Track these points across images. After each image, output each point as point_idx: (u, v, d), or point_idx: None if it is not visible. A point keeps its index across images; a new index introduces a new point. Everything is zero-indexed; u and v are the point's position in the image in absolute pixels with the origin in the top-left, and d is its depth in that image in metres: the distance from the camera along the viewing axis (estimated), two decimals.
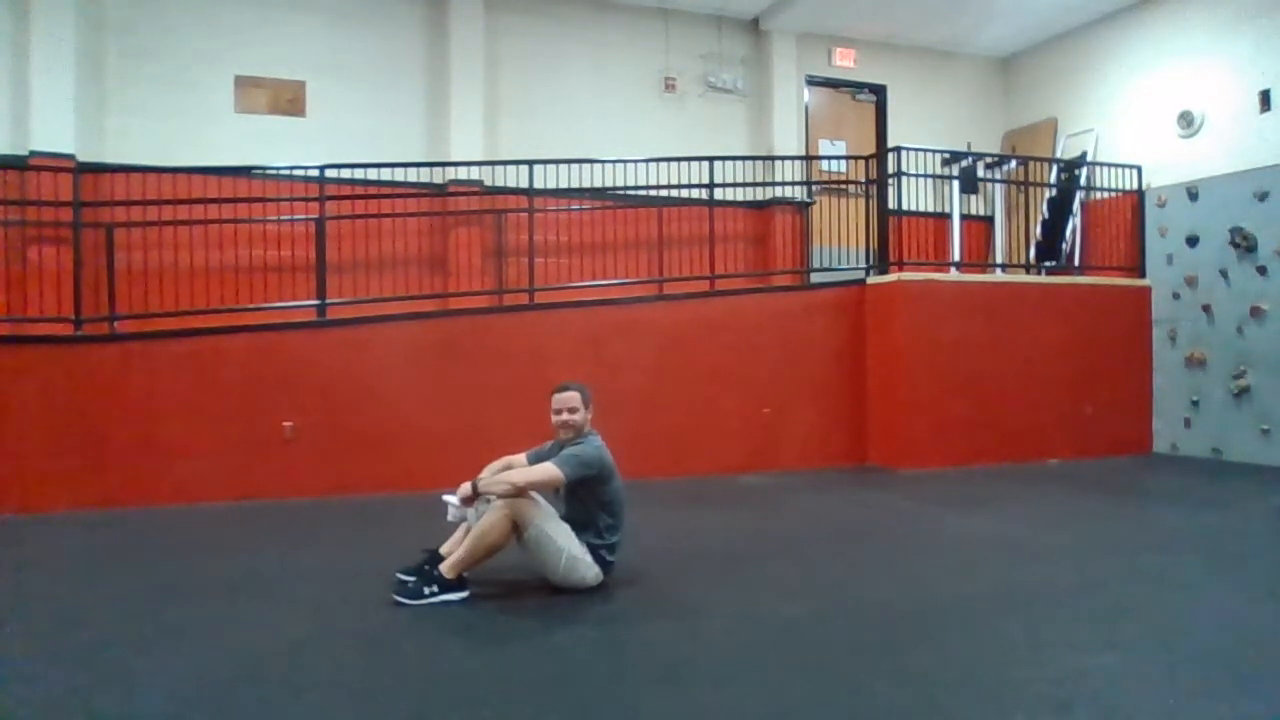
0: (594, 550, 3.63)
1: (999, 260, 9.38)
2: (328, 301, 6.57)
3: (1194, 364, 7.83)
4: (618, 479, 3.73)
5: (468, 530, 3.64)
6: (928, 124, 9.59)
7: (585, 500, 3.64)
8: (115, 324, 6.15)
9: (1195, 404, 7.82)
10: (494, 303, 7.39)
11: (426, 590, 3.43)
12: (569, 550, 3.53)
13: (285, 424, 6.07)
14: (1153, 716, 2.44)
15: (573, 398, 3.77)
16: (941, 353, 7.26)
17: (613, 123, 8.56)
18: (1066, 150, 9.20)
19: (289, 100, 7.65)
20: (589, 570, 3.58)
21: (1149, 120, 8.36)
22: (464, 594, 3.47)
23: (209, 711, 2.46)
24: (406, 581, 3.50)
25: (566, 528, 3.58)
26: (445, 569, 3.47)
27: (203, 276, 6.62)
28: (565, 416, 3.73)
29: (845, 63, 9.47)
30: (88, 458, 5.69)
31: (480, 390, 6.52)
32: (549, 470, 3.52)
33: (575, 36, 8.50)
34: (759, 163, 8.67)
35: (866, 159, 8.32)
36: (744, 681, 2.68)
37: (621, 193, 7.81)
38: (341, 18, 7.81)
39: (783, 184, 8.64)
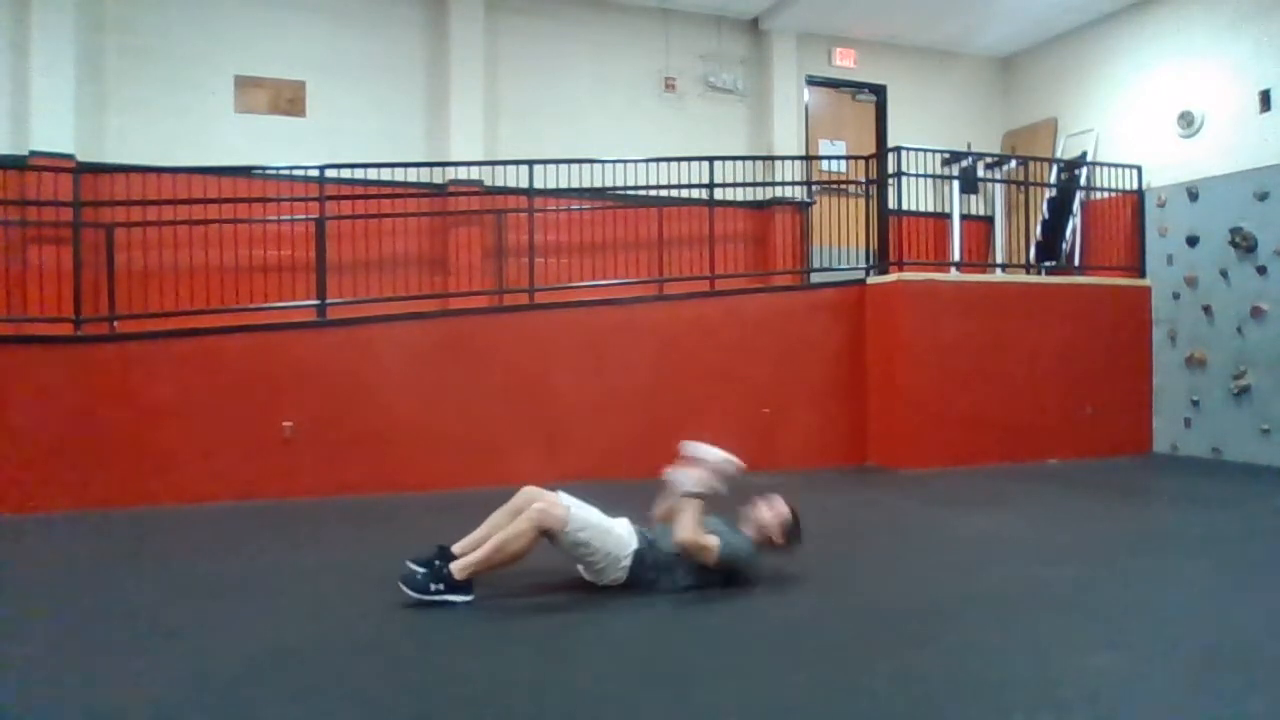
0: (644, 562, 3.60)
1: (999, 260, 9.38)
2: (328, 301, 6.57)
3: (1194, 364, 7.83)
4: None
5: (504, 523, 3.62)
6: (928, 124, 9.58)
7: (704, 567, 3.63)
8: (115, 324, 6.15)
9: (1195, 404, 7.82)
10: (494, 303, 7.39)
11: (433, 586, 3.41)
12: (602, 549, 3.53)
13: (285, 424, 6.07)
14: (1153, 716, 2.44)
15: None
16: (941, 353, 7.26)
17: (613, 123, 8.55)
18: (1066, 150, 9.20)
19: (289, 100, 7.65)
20: (622, 572, 3.58)
21: (1149, 120, 8.36)
22: (468, 597, 3.45)
23: (208, 712, 2.46)
24: (416, 572, 3.49)
25: (604, 527, 3.56)
26: (456, 569, 3.44)
27: (203, 276, 6.61)
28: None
29: (845, 63, 9.47)
30: (88, 458, 5.68)
31: (480, 390, 6.52)
32: (711, 547, 3.55)
33: (575, 36, 8.50)
34: (759, 163, 8.67)
35: (866, 159, 8.32)
36: (744, 681, 2.68)
37: (621, 193, 7.81)
38: (341, 18, 7.81)
39: (783, 184, 8.64)
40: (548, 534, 3.45)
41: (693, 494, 3.56)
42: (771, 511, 3.80)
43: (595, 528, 3.54)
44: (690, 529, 3.53)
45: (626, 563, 3.57)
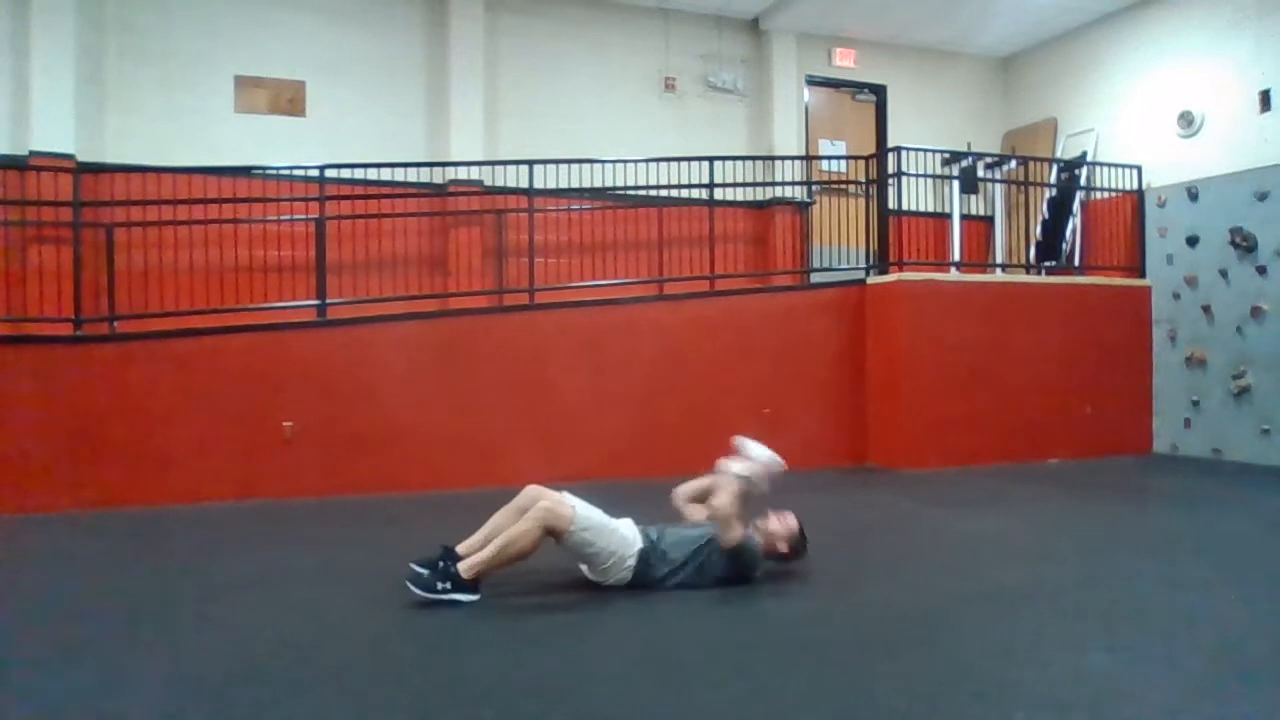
0: (649, 561, 3.63)
1: (999, 260, 9.38)
2: (328, 301, 6.57)
3: (1194, 364, 7.83)
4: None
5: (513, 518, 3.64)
6: (928, 124, 9.59)
7: (710, 555, 3.67)
8: (115, 324, 6.15)
9: (1195, 404, 7.82)
10: (494, 303, 7.39)
11: (440, 585, 3.41)
12: (607, 549, 3.55)
13: (285, 424, 6.07)
14: (1153, 717, 2.44)
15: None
16: (941, 353, 7.26)
17: (613, 123, 8.55)
18: (1066, 150, 9.20)
19: (289, 100, 7.65)
20: (627, 572, 3.60)
21: (1149, 120, 8.36)
22: (475, 596, 3.45)
23: (208, 711, 2.46)
24: (421, 573, 3.49)
25: (609, 527, 3.58)
26: (464, 569, 3.45)
27: (203, 276, 6.62)
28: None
29: (845, 63, 9.47)
30: (88, 458, 5.68)
31: (480, 390, 6.52)
32: (739, 527, 3.64)
33: (575, 36, 8.50)
34: (759, 163, 8.67)
35: (866, 159, 8.32)
36: (744, 681, 2.68)
37: (621, 193, 7.81)
38: (341, 18, 7.81)
39: (783, 184, 8.64)
40: (553, 533, 3.45)
41: (741, 476, 3.69)
42: (782, 524, 3.86)
43: (600, 527, 3.54)
44: (729, 502, 3.60)
45: (631, 562, 3.59)
